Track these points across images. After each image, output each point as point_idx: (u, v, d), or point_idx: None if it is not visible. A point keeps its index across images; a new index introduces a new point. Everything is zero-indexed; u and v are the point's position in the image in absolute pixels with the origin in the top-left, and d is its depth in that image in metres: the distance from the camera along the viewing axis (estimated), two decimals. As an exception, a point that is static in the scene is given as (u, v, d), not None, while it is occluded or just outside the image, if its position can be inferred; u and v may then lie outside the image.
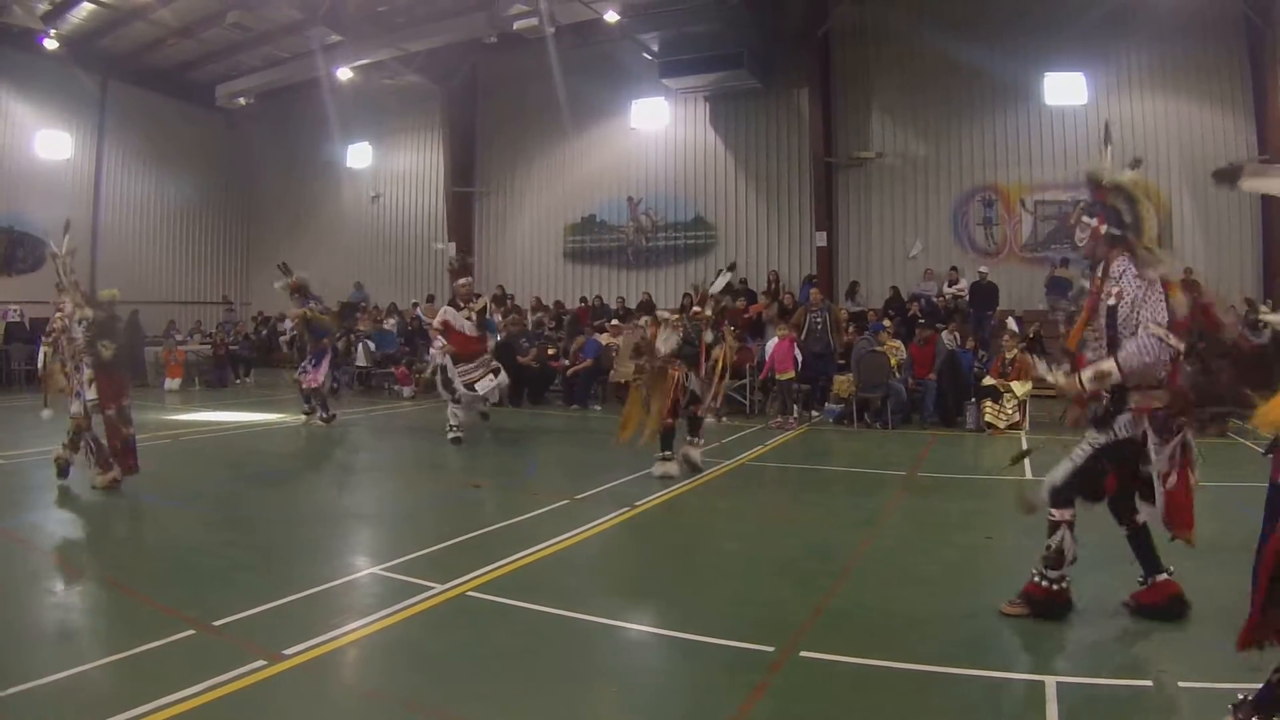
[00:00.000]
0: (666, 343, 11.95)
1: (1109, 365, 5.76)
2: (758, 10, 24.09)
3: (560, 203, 29.51)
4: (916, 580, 7.15)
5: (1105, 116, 22.10)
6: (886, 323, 20.33)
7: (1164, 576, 6.15)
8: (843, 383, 18.30)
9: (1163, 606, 6.08)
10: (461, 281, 15.93)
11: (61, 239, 11.51)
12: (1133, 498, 6.13)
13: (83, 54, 29.06)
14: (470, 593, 6.89)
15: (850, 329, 20.57)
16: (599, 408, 21.20)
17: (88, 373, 10.85)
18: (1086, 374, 5.84)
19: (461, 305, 15.48)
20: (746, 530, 9.67)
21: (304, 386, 17.50)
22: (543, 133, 29.34)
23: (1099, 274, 6.06)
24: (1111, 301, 5.91)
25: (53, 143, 30.54)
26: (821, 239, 24.89)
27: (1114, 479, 6.09)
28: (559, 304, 27.75)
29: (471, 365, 15.47)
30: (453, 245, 30.20)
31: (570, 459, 14.83)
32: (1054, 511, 6.19)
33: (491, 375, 15.63)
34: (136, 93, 31.97)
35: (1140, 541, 6.21)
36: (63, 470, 11.08)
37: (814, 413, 19.04)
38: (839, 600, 6.84)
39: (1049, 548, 6.18)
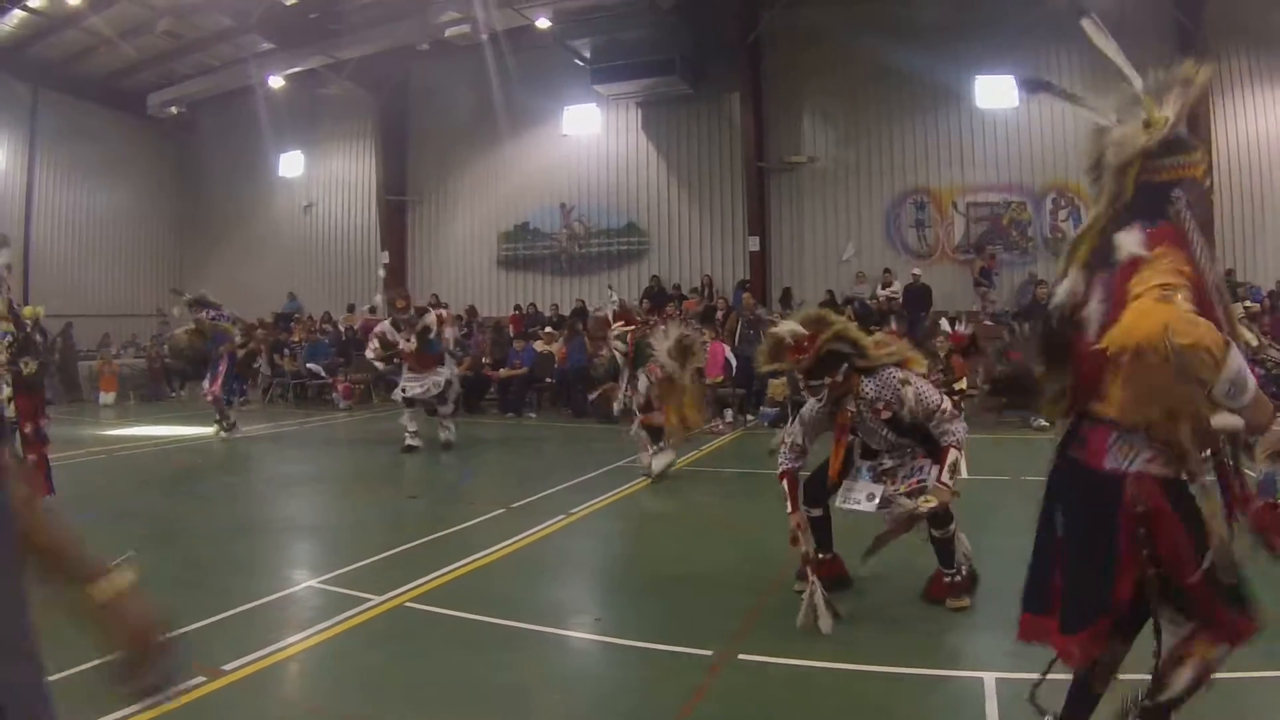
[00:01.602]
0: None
1: (952, 456, 6.32)
2: (689, 16, 24.07)
3: (493, 210, 29.30)
4: (853, 580, 7.21)
5: (1035, 118, 22.46)
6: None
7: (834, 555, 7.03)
8: (777, 386, 18.39)
9: (832, 579, 6.80)
10: (398, 304, 15.86)
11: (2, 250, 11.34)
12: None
13: (13, 62, 28.56)
14: (409, 604, 6.90)
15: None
16: (534, 415, 21.22)
17: (6, 390, 10.72)
18: (945, 477, 6.27)
19: (401, 327, 15.45)
20: (682, 535, 9.74)
21: (207, 398, 17.48)
22: (475, 140, 29.07)
23: (851, 406, 6.55)
24: (886, 415, 6.47)
25: (-19, 153, 30.08)
26: (754, 243, 24.90)
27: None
28: (471, 309, 27.53)
29: (418, 376, 15.49)
30: (385, 257, 30.09)
31: (506, 467, 14.81)
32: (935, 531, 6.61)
33: (433, 385, 15.61)
34: (68, 101, 31.29)
35: (828, 521, 7.03)
36: None
37: (749, 417, 19.13)
38: (776, 602, 6.88)
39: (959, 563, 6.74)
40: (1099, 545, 3.50)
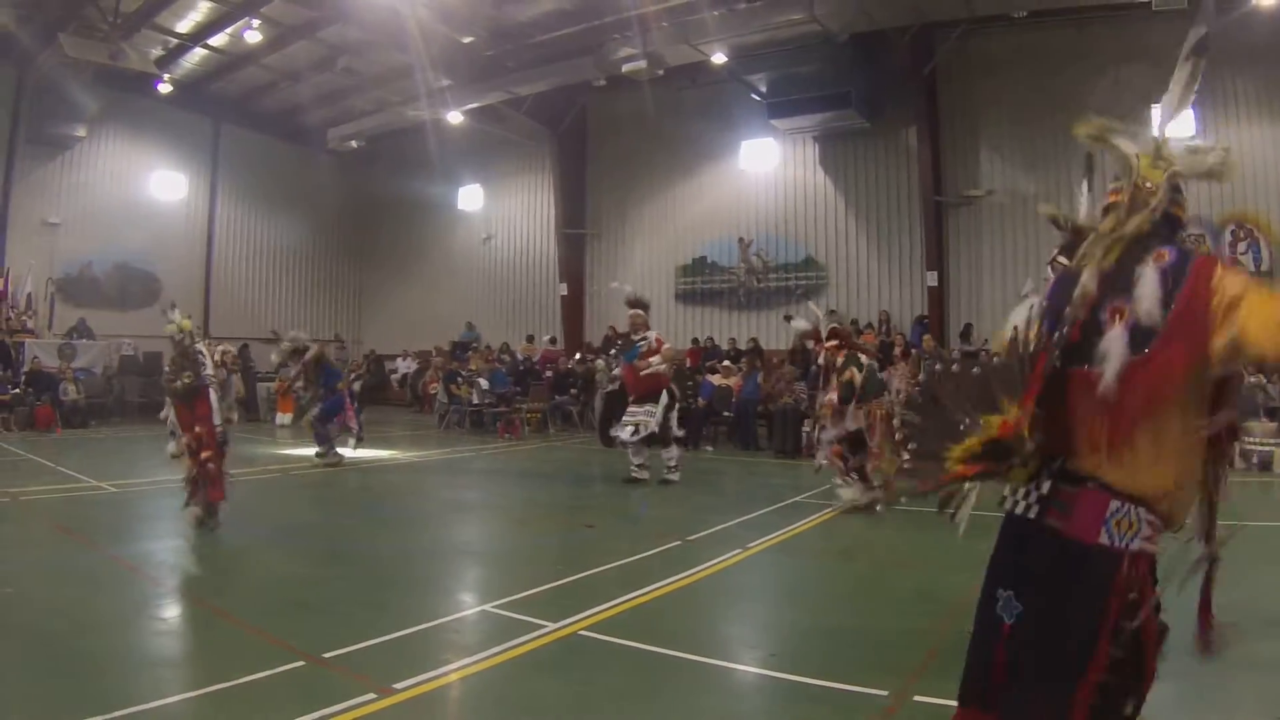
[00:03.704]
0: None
1: None
2: (864, 49, 23.81)
3: (671, 244, 29.42)
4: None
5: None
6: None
7: None
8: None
9: None
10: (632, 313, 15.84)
11: (172, 311, 11.55)
12: None
13: (196, 98, 30.09)
14: (582, 632, 6.86)
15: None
16: (710, 449, 21.13)
17: (170, 411, 11.00)
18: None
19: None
20: (859, 571, 9.58)
21: (350, 428, 17.59)
22: (652, 174, 29.42)
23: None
24: None
25: (167, 184, 31.62)
26: (933, 279, 24.50)
27: None
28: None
29: (636, 407, 15.27)
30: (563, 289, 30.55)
31: (683, 500, 14.57)
32: None
33: (633, 426, 15.15)
34: (249, 135, 32.85)
35: None
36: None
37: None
38: (953, 643, 6.69)
39: None
40: (1074, 635, 3.05)
